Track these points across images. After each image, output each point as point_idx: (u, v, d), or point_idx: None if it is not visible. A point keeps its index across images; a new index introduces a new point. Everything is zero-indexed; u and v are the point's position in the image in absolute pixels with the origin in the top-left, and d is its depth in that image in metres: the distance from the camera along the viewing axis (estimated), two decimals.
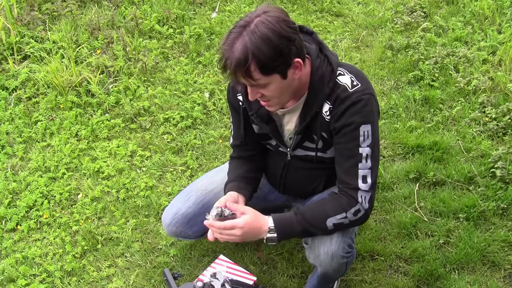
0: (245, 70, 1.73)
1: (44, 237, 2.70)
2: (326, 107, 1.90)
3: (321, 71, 1.88)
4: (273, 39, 1.71)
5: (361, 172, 1.89)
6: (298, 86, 1.88)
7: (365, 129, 1.87)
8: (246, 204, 2.07)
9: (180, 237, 2.33)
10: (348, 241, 1.97)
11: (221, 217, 1.90)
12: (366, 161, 1.89)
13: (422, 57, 3.51)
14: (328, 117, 1.91)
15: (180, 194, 2.32)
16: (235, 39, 1.73)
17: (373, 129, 1.89)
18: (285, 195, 2.28)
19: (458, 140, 3.02)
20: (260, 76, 1.76)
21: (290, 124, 2.02)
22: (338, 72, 1.89)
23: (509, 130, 3.00)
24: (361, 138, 1.87)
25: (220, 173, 2.32)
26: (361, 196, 1.90)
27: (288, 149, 2.09)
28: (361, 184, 1.89)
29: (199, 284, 2.11)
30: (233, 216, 1.91)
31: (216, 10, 4.07)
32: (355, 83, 1.87)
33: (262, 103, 1.92)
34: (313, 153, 2.05)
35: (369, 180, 1.89)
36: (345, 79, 1.88)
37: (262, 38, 1.70)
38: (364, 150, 1.88)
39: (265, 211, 2.38)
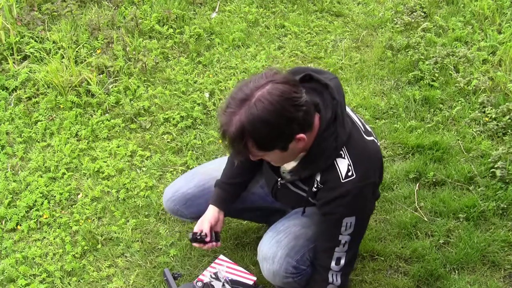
0: (242, 146, 1.69)
1: (44, 237, 2.70)
2: (318, 177, 1.88)
3: (324, 145, 1.81)
4: (271, 121, 1.63)
5: (336, 254, 1.92)
6: (303, 148, 1.83)
7: (348, 220, 1.86)
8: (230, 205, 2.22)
9: (177, 215, 2.35)
10: (293, 263, 1.99)
11: (195, 241, 2.15)
12: (344, 246, 1.91)
13: (422, 57, 3.51)
14: (315, 189, 1.90)
15: (186, 173, 2.37)
16: (233, 114, 1.65)
17: (359, 219, 1.88)
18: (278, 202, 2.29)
19: (458, 140, 3.02)
20: (258, 151, 1.73)
21: (287, 165, 2.00)
22: (340, 152, 1.82)
23: (509, 130, 3.00)
24: (343, 228, 1.87)
25: None
26: (332, 275, 1.95)
27: (279, 179, 2.08)
28: (333, 265, 1.93)
29: (199, 284, 2.12)
30: (205, 238, 2.14)
31: (216, 10, 4.07)
32: (350, 174, 1.81)
33: (266, 159, 1.90)
34: (300, 192, 2.03)
35: (342, 261, 1.93)
36: (342, 165, 1.81)
37: (261, 119, 1.63)
38: (344, 238, 1.90)
39: (263, 210, 2.38)
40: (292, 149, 1.78)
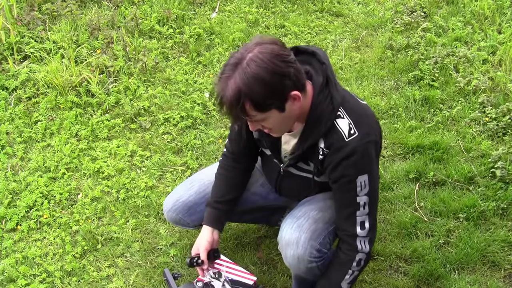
0: (240, 109, 1.72)
1: (44, 237, 2.70)
2: (322, 144, 1.88)
3: (321, 108, 1.83)
4: (265, 77, 1.68)
5: (359, 219, 1.91)
6: (300, 113, 1.85)
7: (362, 179, 1.86)
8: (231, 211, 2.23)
9: (179, 225, 2.34)
10: (317, 246, 1.97)
11: (192, 266, 2.16)
12: (364, 208, 1.90)
13: (422, 57, 3.51)
14: (322, 156, 1.90)
15: (184, 182, 2.35)
16: (228, 79, 1.71)
17: (371, 177, 1.87)
18: (282, 196, 2.29)
19: (458, 140, 3.02)
20: (256, 113, 1.75)
21: (287, 145, 2.02)
22: (338, 113, 1.84)
23: (509, 130, 3.00)
24: (358, 189, 1.87)
25: None
26: (360, 241, 1.93)
27: (282, 165, 2.09)
28: (359, 231, 1.92)
29: (199, 284, 2.12)
30: (201, 264, 2.15)
31: (216, 10, 4.07)
32: (352, 132, 1.83)
33: (265, 130, 1.90)
34: (305, 174, 2.05)
35: (366, 225, 1.92)
36: (343, 124, 1.83)
37: (254, 77, 1.67)
38: (362, 199, 1.89)
39: (264, 210, 2.39)
40: (289, 111, 1.79)
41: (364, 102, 1.98)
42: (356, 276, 1.99)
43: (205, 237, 2.17)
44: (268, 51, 1.69)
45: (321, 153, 1.89)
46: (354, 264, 1.95)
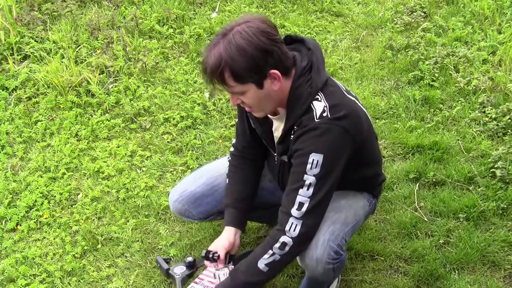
0: (219, 76, 1.79)
1: (44, 237, 2.70)
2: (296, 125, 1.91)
3: (299, 91, 1.86)
4: (247, 50, 1.75)
5: (299, 198, 1.88)
6: (281, 96, 1.88)
7: (315, 157, 1.84)
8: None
9: (184, 216, 2.33)
10: (335, 248, 1.96)
11: (207, 259, 2.09)
12: (308, 189, 1.87)
13: (422, 57, 3.51)
14: (292, 135, 1.92)
15: (191, 174, 2.36)
16: (214, 46, 1.79)
17: (326, 161, 1.84)
18: None
19: (458, 140, 3.02)
20: (234, 83, 1.80)
21: (277, 132, 2.03)
22: (316, 97, 1.86)
23: (509, 130, 3.00)
24: (308, 166, 1.85)
25: None
26: (291, 223, 1.89)
27: (275, 154, 2.10)
28: (294, 211, 1.88)
29: (189, 258, 2.21)
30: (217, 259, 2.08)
31: (216, 10, 4.07)
32: (324, 114, 1.83)
33: (247, 109, 1.94)
34: None
35: (304, 208, 1.87)
36: (318, 106, 1.85)
37: (237, 48, 1.75)
38: (309, 178, 1.86)
39: (270, 209, 2.39)
40: (268, 90, 1.83)
41: (353, 98, 1.96)
42: (279, 262, 1.92)
43: (227, 237, 2.14)
44: (255, 27, 1.77)
45: (292, 132, 1.91)
46: (277, 245, 1.90)
